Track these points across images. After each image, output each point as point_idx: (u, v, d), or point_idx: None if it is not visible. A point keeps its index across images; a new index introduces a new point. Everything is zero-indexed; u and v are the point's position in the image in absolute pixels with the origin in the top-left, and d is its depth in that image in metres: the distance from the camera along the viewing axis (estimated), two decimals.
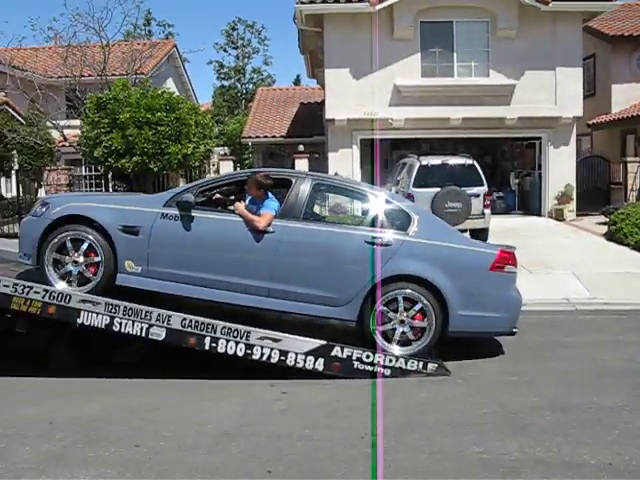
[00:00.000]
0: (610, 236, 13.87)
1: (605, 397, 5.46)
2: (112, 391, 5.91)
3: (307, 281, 6.35)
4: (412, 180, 13.42)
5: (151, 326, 6.09)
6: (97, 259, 6.38)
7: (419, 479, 4.00)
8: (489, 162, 22.22)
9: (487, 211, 13.50)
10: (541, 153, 18.50)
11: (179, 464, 4.24)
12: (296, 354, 6.04)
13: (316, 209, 8.29)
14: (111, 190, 17.32)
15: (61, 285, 6.36)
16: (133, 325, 6.09)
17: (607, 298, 9.79)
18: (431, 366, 6.19)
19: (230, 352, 6.04)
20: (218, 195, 7.05)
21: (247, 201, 6.70)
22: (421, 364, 6.18)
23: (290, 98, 29.29)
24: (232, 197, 7.15)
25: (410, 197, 12.48)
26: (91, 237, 6.37)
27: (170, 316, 6.08)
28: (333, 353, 6.07)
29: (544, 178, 18.28)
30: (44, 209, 6.60)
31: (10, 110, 20.21)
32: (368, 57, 17.21)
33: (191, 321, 6.06)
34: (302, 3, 16.57)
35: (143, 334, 6.10)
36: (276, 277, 6.34)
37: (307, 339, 6.10)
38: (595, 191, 19.49)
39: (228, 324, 6.06)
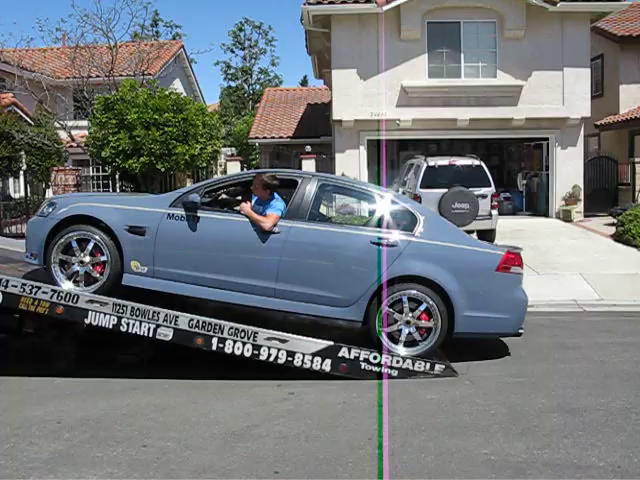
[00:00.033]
0: (618, 237, 13.82)
1: (613, 399, 5.44)
2: (120, 391, 5.93)
3: (312, 281, 6.35)
4: (419, 181, 13.42)
5: (158, 326, 6.09)
6: (103, 258, 6.40)
7: None
8: (496, 163, 22.22)
9: (494, 212, 13.47)
10: (548, 154, 18.44)
11: (186, 464, 4.25)
12: (303, 355, 6.04)
13: (322, 210, 8.29)
14: (118, 190, 17.38)
15: (67, 285, 6.38)
16: (140, 325, 6.10)
17: (615, 299, 9.77)
18: (438, 367, 6.18)
19: (237, 353, 6.04)
20: (224, 195, 7.05)
21: (253, 201, 6.71)
22: (428, 365, 6.17)
23: (297, 99, 29.34)
24: (238, 197, 7.15)
25: (417, 198, 12.48)
26: (97, 237, 6.39)
27: (177, 316, 6.09)
28: (340, 354, 6.07)
29: (551, 179, 18.22)
30: (51, 209, 6.62)
31: (18, 111, 20.32)
32: (375, 58, 17.19)
33: (198, 321, 6.07)
34: (309, 4, 16.58)
35: (150, 334, 6.10)
36: (282, 277, 6.34)
37: (314, 340, 6.10)
38: (603, 192, 19.43)
39: (235, 324, 6.06)
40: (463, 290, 6.32)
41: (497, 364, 6.67)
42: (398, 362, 6.13)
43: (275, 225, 6.37)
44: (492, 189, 13.57)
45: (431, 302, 6.25)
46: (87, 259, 6.41)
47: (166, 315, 6.10)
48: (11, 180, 20.23)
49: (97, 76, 19.43)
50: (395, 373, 6.10)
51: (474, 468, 4.15)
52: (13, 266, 7.32)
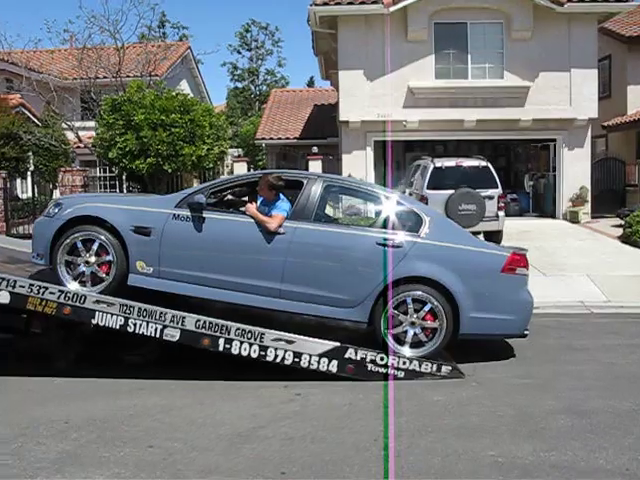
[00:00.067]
0: (625, 239, 13.76)
1: (621, 401, 5.42)
2: (126, 392, 5.94)
3: (318, 282, 6.35)
4: (426, 182, 13.38)
5: (165, 327, 6.09)
6: (109, 258, 6.40)
7: None
8: (503, 164, 22.17)
9: (501, 213, 13.43)
10: (556, 155, 18.37)
11: (193, 465, 4.26)
12: (310, 356, 6.03)
13: (328, 211, 8.29)
14: (125, 191, 17.44)
15: (74, 285, 6.38)
16: (148, 326, 6.10)
17: (623, 301, 9.71)
18: (445, 369, 6.17)
19: (244, 353, 6.04)
20: (230, 196, 7.06)
21: (259, 202, 6.71)
22: (435, 367, 6.16)
23: (304, 100, 29.33)
24: (244, 198, 7.16)
25: (424, 199, 12.45)
26: (103, 237, 6.39)
27: (184, 317, 6.09)
28: (347, 355, 6.06)
29: (559, 180, 18.15)
30: (57, 210, 6.63)
31: (26, 112, 20.43)
32: (381, 59, 17.15)
33: (205, 322, 6.07)
34: (316, 5, 16.58)
35: (158, 335, 6.10)
36: (287, 278, 6.34)
37: (321, 341, 6.09)
38: (610, 193, 19.35)
39: (242, 325, 6.05)
40: (468, 291, 6.31)
41: (504, 365, 6.66)
42: (405, 363, 6.12)
43: (280, 226, 6.37)
44: (499, 190, 13.52)
45: (436, 303, 6.24)
46: (93, 259, 6.41)
47: (173, 316, 6.10)
48: (19, 181, 20.33)
49: (104, 77, 19.52)
50: (402, 374, 6.09)
51: (481, 470, 4.13)
52: (20, 266, 7.34)
